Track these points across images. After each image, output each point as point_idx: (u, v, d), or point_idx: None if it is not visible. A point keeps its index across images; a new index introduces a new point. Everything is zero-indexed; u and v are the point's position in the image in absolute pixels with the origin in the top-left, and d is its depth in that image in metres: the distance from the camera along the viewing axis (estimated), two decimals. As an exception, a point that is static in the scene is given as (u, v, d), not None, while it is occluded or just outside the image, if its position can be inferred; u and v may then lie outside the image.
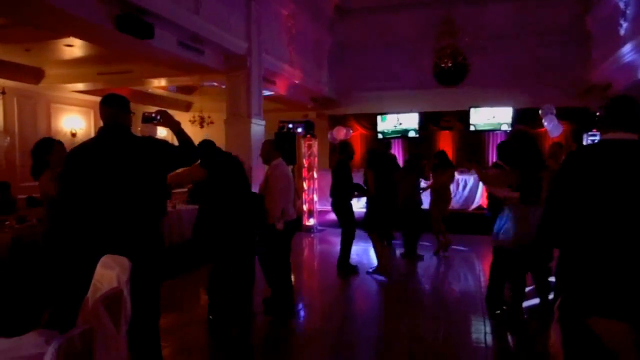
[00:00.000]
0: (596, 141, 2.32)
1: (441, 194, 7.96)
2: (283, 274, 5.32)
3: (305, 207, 11.13)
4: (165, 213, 3.20)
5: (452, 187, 11.50)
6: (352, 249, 7.11)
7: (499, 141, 13.23)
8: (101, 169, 2.91)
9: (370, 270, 7.00)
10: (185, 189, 8.92)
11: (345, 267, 7.03)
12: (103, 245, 2.68)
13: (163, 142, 3.14)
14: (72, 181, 3.00)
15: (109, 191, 2.90)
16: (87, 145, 3.08)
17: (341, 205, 6.97)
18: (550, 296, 5.36)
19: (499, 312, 5.05)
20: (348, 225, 7.01)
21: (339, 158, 7.25)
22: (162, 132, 12.09)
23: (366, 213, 7.01)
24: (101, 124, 3.07)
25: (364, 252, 8.27)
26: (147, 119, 3.11)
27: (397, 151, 13.92)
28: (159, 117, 3.09)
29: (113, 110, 3.04)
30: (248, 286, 5.04)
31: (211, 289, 4.79)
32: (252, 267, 5.15)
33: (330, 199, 7.13)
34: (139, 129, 7.24)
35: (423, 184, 8.35)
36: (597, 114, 8.16)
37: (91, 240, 2.90)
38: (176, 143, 3.22)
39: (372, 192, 6.77)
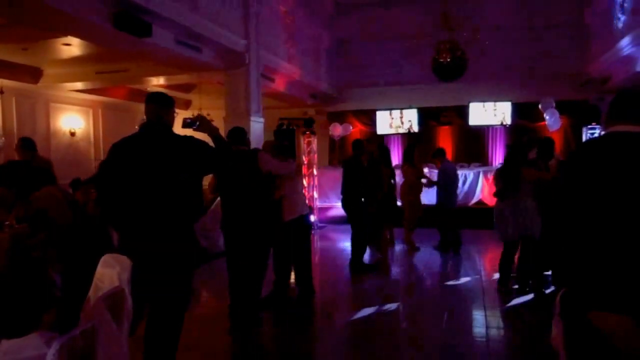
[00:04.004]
0: (602, 134, 2.31)
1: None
2: (303, 270, 5.52)
3: (305, 204, 11.12)
4: (201, 212, 3.24)
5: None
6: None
7: (498, 136, 13.30)
8: (139, 163, 3.00)
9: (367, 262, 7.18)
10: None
11: (361, 266, 6.93)
12: (133, 238, 2.85)
13: (202, 143, 3.14)
14: (110, 173, 3.10)
15: (144, 185, 2.98)
16: (129, 140, 3.17)
17: (353, 203, 6.88)
18: (548, 290, 5.46)
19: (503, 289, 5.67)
20: (359, 223, 6.90)
21: (352, 154, 7.19)
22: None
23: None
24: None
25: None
26: (187, 124, 3.18)
27: (397, 148, 13.89)
28: (197, 123, 3.17)
29: (156, 107, 3.12)
30: (256, 282, 5.03)
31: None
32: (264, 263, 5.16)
33: (340, 197, 7.02)
34: (136, 127, 7.21)
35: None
36: (595, 105, 8.32)
37: (123, 231, 3.02)
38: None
39: (384, 190, 6.95)
